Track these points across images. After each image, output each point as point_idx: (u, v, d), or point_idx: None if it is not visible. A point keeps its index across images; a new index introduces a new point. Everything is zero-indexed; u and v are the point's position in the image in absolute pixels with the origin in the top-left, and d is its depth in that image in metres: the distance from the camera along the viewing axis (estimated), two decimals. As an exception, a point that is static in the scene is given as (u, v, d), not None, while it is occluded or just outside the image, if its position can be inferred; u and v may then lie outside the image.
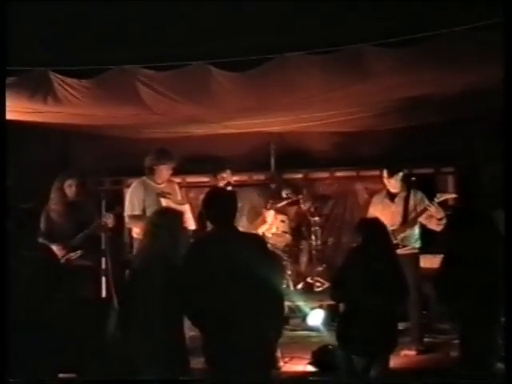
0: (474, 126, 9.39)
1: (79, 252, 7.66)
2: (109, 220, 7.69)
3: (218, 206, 5.14)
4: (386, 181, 7.95)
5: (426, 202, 7.75)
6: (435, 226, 7.69)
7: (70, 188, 7.80)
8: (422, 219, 7.77)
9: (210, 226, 5.29)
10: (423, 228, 7.90)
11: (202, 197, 8.55)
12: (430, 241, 8.09)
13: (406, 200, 7.85)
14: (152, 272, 5.01)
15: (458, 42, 6.36)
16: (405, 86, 7.37)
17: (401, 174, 7.90)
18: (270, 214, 9.31)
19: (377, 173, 8.65)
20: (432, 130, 9.67)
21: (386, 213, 7.53)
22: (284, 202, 9.94)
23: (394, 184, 7.91)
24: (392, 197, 7.94)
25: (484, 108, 8.35)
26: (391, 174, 7.89)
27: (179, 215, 5.55)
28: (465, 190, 9.81)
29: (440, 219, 7.61)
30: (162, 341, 4.96)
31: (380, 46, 6.62)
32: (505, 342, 5.09)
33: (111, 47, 7.00)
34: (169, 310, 4.96)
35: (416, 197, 7.88)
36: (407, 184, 7.98)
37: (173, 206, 7.16)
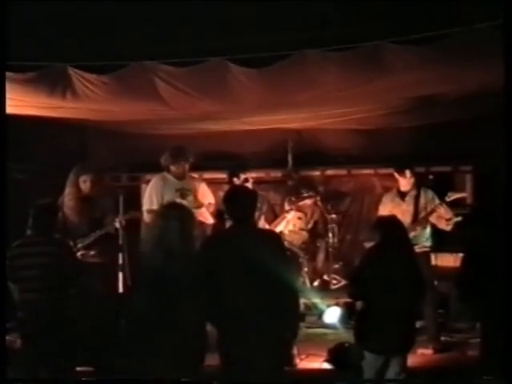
0: (492, 124, 9.32)
1: (92, 252, 7.51)
2: (120, 225, 7.59)
3: (239, 203, 5.16)
4: (397, 178, 7.97)
5: (437, 201, 7.77)
6: (444, 225, 7.71)
7: (84, 183, 7.59)
8: (432, 218, 7.76)
9: (228, 223, 5.30)
10: (435, 227, 7.89)
11: (220, 193, 8.68)
12: (445, 239, 8.08)
13: (417, 199, 7.85)
14: (164, 266, 4.98)
15: (478, 39, 6.32)
16: (423, 83, 7.33)
17: (410, 171, 7.90)
18: (290, 214, 9.35)
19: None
20: (450, 128, 9.61)
21: (396, 211, 7.48)
22: (304, 201, 9.95)
23: (404, 182, 7.91)
24: (402, 195, 7.96)
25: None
26: (400, 172, 7.90)
27: (189, 209, 5.52)
28: (483, 189, 9.77)
29: (449, 219, 7.62)
30: (174, 338, 4.94)
31: (398, 43, 6.59)
32: (505, 343, 5.04)
33: (130, 43, 7.02)
34: (184, 307, 4.94)
35: (427, 196, 7.89)
36: (417, 182, 7.97)
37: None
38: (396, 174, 7.99)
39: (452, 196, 7.75)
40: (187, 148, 7.98)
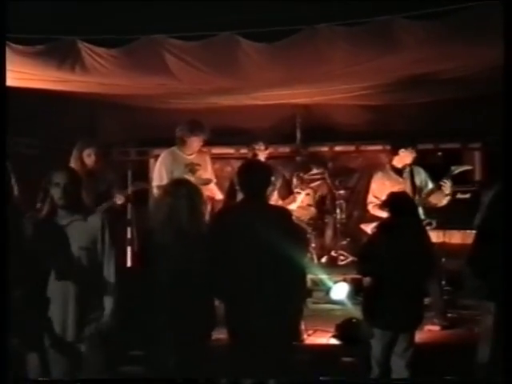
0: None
1: None
2: (119, 201, 7.54)
3: (253, 177, 5.15)
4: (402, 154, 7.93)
5: (430, 182, 7.80)
6: (438, 200, 7.67)
7: (89, 158, 7.57)
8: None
9: (239, 197, 5.30)
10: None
11: (227, 169, 8.70)
12: (453, 216, 8.06)
13: (412, 175, 7.82)
14: (174, 243, 4.99)
15: (489, 14, 6.27)
16: (434, 59, 7.30)
17: (410, 148, 7.85)
18: (299, 196, 9.36)
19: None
20: (459, 105, 9.56)
21: (397, 189, 7.36)
22: (315, 183, 9.95)
23: (407, 159, 7.87)
24: (399, 172, 7.90)
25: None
26: (398, 149, 7.87)
27: (197, 186, 5.52)
28: (492, 166, 9.74)
29: (447, 195, 7.59)
30: (182, 313, 4.96)
31: (409, 19, 6.54)
32: (505, 341, 5.04)
33: (140, 17, 6.99)
34: (193, 283, 4.96)
35: (420, 174, 7.91)
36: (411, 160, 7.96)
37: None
38: (402, 150, 7.92)
39: (456, 170, 7.70)
40: (205, 124, 7.95)
